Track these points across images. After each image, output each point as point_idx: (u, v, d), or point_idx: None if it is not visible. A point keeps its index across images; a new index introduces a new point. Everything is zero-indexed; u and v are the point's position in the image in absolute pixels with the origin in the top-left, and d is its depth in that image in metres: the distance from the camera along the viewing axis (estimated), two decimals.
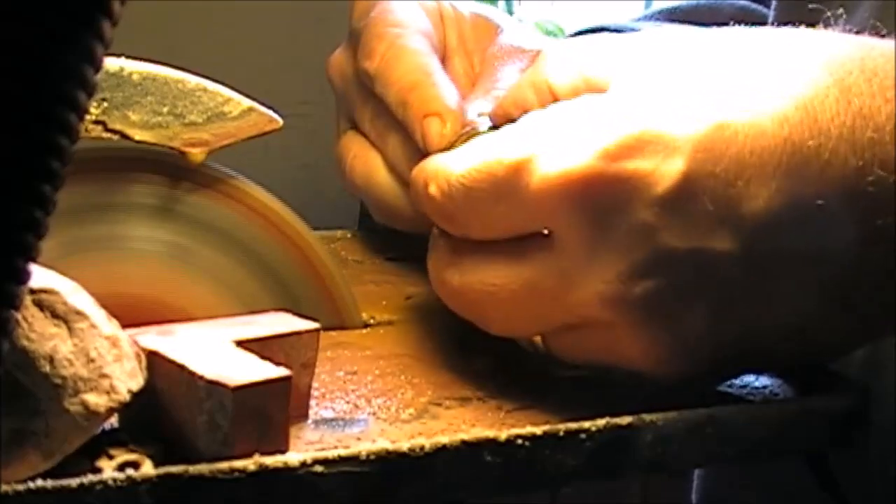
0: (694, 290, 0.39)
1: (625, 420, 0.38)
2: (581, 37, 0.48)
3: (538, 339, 0.45)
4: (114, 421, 0.37)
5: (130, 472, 0.34)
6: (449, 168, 0.43)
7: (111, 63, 0.44)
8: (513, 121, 0.44)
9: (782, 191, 0.38)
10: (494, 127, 0.48)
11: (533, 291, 0.41)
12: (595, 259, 0.40)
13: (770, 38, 0.42)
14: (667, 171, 0.38)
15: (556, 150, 0.40)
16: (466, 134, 0.49)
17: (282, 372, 0.36)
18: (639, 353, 0.41)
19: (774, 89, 0.39)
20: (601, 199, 0.39)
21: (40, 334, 0.34)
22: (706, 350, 0.40)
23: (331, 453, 0.35)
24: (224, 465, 0.34)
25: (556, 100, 0.45)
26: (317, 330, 0.41)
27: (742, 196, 0.38)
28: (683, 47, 0.43)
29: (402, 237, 0.57)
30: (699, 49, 0.42)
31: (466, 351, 0.48)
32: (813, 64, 0.39)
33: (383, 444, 0.36)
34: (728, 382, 0.45)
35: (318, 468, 0.35)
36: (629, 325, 0.40)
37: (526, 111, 0.45)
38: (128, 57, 0.45)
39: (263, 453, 0.35)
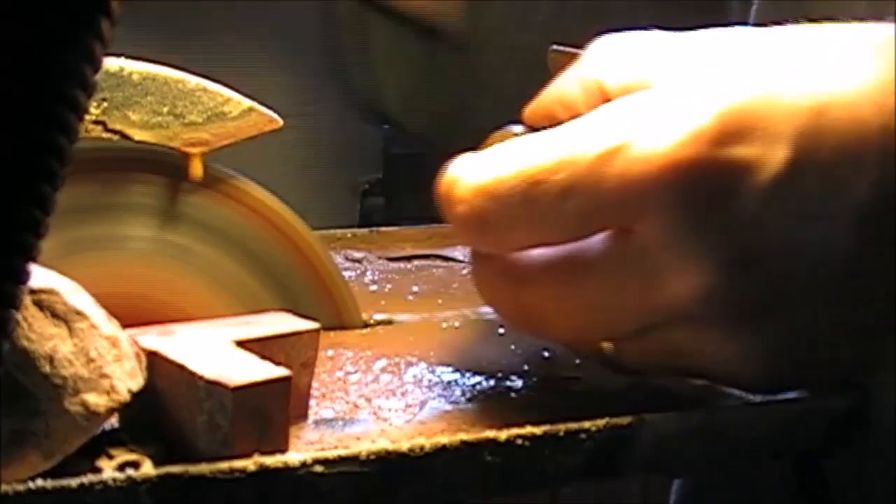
0: (796, 285, 0.38)
1: (625, 420, 0.38)
2: (628, 34, 0.45)
3: (607, 344, 0.42)
4: (114, 421, 0.37)
5: (130, 472, 0.34)
6: (489, 171, 0.40)
7: (111, 63, 0.44)
8: (555, 121, 0.42)
9: (884, 178, 0.37)
10: (532, 129, 0.45)
11: (612, 295, 0.39)
12: (692, 251, 0.38)
13: (812, 32, 0.41)
14: (772, 158, 0.37)
15: (653, 135, 0.38)
16: (499, 137, 0.45)
17: (282, 372, 0.36)
18: (729, 354, 0.39)
19: (858, 76, 0.38)
20: (705, 185, 0.37)
21: (40, 334, 0.34)
22: (798, 353, 0.39)
23: (331, 453, 0.35)
24: (224, 465, 0.34)
25: (606, 99, 0.42)
26: (317, 330, 0.41)
27: (846, 183, 0.37)
28: (746, 40, 0.41)
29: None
30: (761, 40, 0.41)
31: (467, 351, 0.48)
32: (867, 50, 0.39)
33: (383, 444, 0.36)
34: None
35: (318, 468, 0.35)
36: (724, 324, 0.39)
37: (571, 109, 0.43)
38: (128, 57, 0.45)
39: (263, 453, 0.35)
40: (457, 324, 0.52)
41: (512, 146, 0.41)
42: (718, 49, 0.41)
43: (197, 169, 0.46)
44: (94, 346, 0.35)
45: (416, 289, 0.57)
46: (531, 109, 0.46)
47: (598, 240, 0.40)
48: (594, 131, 0.39)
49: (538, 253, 0.41)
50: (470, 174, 0.41)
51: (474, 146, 0.44)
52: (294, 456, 0.35)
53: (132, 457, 0.35)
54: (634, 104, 0.39)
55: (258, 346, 0.39)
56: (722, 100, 0.38)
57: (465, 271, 0.60)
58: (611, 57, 0.44)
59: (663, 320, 0.39)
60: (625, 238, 0.39)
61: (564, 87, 0.45)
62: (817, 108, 0.37)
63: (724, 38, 0.42)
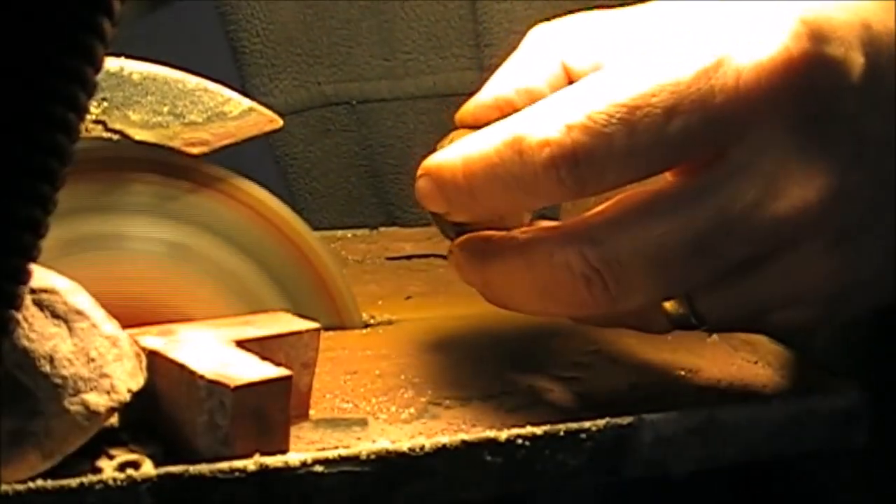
0: (893, 185, 0.38)
1: (625, 420, 0.38)
2: (569, 17, 0.45)
3: (670, 304, 0.41)
4: (114, 421, 0.37)
5: (130, 472, 0.34)
6: (575, 109, 0.37)
7: (111, 63, 0.44)
8: (515, 110, 0.41)
9: None
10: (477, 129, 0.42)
11: (701, 234, 0.37)
12: (810, 154, 0.37)
13: None
14: (855, 60, 0.38)
15: (748, 45, 0.37)
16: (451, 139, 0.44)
17: (282, 372, 0.36)
18: (833, 276, 0.38)
19: None
20: (812, 84, 0.37)
21: (40, 334, 0.34)
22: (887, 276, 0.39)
23: (331, 453, 0.35)
24: (224, 465, 0.34)
25: (571, 81, 0.42)
26: (317, 330, 0.41)
27: None
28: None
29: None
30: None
31: (467, 351, 0.48)
32: None
33: (383, 444, 0.36)
34: (728, 382, 0.45)
35: (318, 468, 0.35)
36: (830, 237, 0.38)
37: (533, 95, 0.42)
38: (128, 57, 0.45)
39: (263, 453, 0.35)
40: (457, 324, 0.52)
41: (584, 84, 0.39)
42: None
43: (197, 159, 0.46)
44: (95, 345, 0.35)
45: (416, 289, 0.57)
46: (476, 106, 0.44)
47: (665, 181, 0.38)
48: (681, 53, 0.37)
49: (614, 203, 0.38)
50: (545, 118, 0.38)
51: None
52: (294, 456, 0.35)
53: (132, 457, 0.35)
54: (707, 25, 0.39)
55: (258, 346, 0.39)
56: (797, 10, 0.38)
57: None
58: (567, 38, 0.43)
59: (766, 247, 0.38)
60: (717, 164, 0.37)
61: (521, 76, 0.44)
62: (864, 21, 0.38)
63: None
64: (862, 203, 0.38)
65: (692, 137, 0.37)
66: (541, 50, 0.44)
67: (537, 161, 0.38)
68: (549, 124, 0.38)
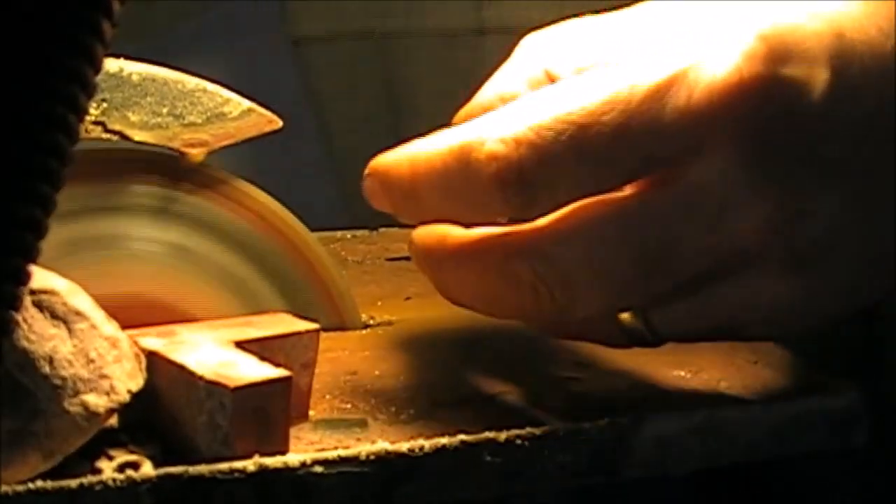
0: (860, 206, 0.37)
1: (625, 420, 0.38)
2: (556, 25, 0.45)
3: (625, 316, 0.40)
4: (113, 422, 0.37)
5: (130, 472, 0.34)
6: (522, 122, 0.37)
7: (111, 63, 0.44)
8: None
9: None
10: None
11: (658, 247, 0.37)
12: (762, 177, 0.36)
13: None
14: (818, 78, 0.36)
15: (704, 63, 0.36)
16: None
17: (282, 372, 0.36)
18: (790, 296, 0.38)
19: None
20: (769, 105, 0.36)
21: (40, 335, 0.34)
22: (857, 286, 0.39)
23: (331, 453, 0.35)
24: (224, 465, 0.34)
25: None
26: (317, 330, 0.41)
27: (879, 103, 0.37)
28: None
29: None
30: None
31: (466, 351, 0.48)
32: None
33: (383, 444, 0.36)
34: (728, 382, 0.45)
35: (318, 468, 0.35)
36: (786, 258, 0.37)
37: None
38: (127, 57, 0.45)
39: (263, 453, 0.35)
40: (457, 324, 0.52)
41: (538, 96, 0.38)
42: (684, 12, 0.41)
43: (197, 160, 0.46)
44: (94, 346, 0.35)
45: (416, 289, 0.57)
46: (468, 113, 0.44)
47: (622, 195, 0.37)
48: (635, 69, 0.37)
49: (560, 217, 0.38)
50: (495, 130, 0.37)
51: None
52: (294, 456, 0.35)
53: (132, 457, 0.35)
54: (665, 44, 0.38)
55: (258, 347, 0.39)
56: (758, 25, 0.37)
57: None
58: (555, 46, 0.43)
59: (717, 267, 0.38)
60: (669, 181, 0.37)
61: (505, 84, 0.44)
62: (837, 31, 0.37)
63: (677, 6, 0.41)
64: (823, 224, 0.37)
65: (641, 156, 0.37)
66: (528, 57, 0.44)
67: (483, 176, 0.37)
68: (497, 138, 0.37)
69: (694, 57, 0.37)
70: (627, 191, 0.38)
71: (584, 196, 0.38)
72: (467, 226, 0.41)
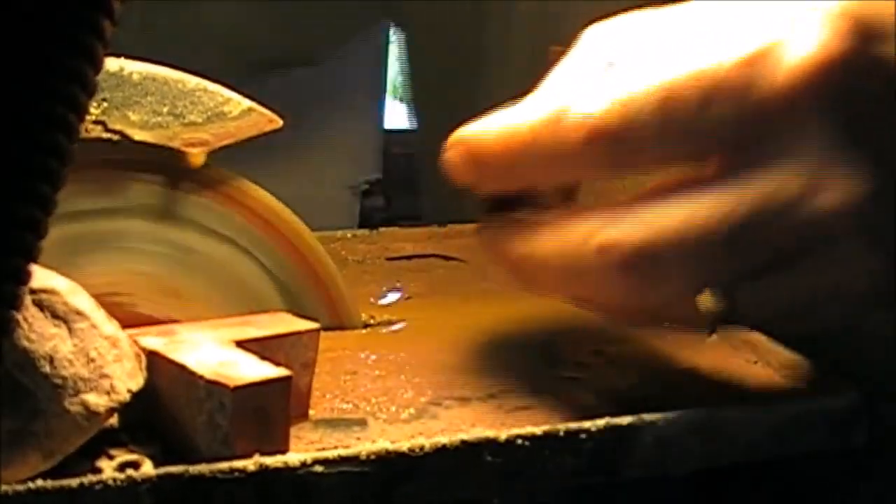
0: None
1: (625, 420, 0.38)
2: (620, 17, 0.44)
3: (704, 298, 0.39)
4: (114, 421, 0.37)
5: (130, 472, 0.34)
6: (618, 89, 0.38)
7: (111, 63, 0.44)
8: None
9: None
10: None
11: (757, 217, 0.37)
12: (849, 157, 0.36)
13: None
14: None
15: (793, 39, 0.36)
16: None
17: (282, 372, 0.36)
18: (874, 275, 0.38)
19: None
20: (859, 82, 0.36)
21: (40, 334, 0.34)
22: None
23: (331, 453, 0.35)
24: (224, 465, 0.34)
25: None
26: (317, 330, 0.41)
27: None
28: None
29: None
30: None
31: (466, 351, 0.48)
32: None
33: (383, 444, 0.36)
34: (728, 382, 0.45)
35: (318, 468, 0.35)
36: (874, 237, 0.37)
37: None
38: (128, 57, 0.45)
39: (263, 453, 0.35)
40: (457, 324, 0.52)
41: (630, 67, 0.39)
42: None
43: (198, 159, 0.46)
44: (95, 346, 0.35)
45: (416, 289, 0.57)
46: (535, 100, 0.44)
47: (710, 172, 0.38)
48: (725, 44, 0.37)
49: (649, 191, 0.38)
50: (586, 98, 0.38)
51: None
52: (294, 456, 0.35)
53: (132, 457, 0.35)
54: (757, 19, 0.38)
55: (258, 346, 0.39)
56: (840, 1, 0.37)
57: (464, 271, 0.60)
58: (617, 38, 0.43)
59: (805, 244, 0.37)
60: (758, 156, 0.37)
61: (568, 76, 0.43)
62: None
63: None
64: None
65: (728, 127, 0.37)
66: (590, 50, 0.44)
67: (574, 137, 0.38)
68: (589, 102, 0.38)
69: (782, 35, 0.37)
70: (713, 169, 0.38)
71: (671, 162, 0.38)
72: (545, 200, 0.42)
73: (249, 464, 0.34)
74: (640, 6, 0.43)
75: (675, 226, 0.38)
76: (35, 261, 0.26)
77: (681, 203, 0.38)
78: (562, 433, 0.38)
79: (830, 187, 0.37)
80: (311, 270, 0.48)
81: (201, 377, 0.35)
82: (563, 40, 0.46)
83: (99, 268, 0.45)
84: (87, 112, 0.26)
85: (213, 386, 0.35)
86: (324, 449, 0.37)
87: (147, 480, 0.33)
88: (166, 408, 0.37)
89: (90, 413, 0.34)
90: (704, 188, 0.38)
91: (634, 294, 0.39)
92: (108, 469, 0.35)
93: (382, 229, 0.65)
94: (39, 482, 0.33)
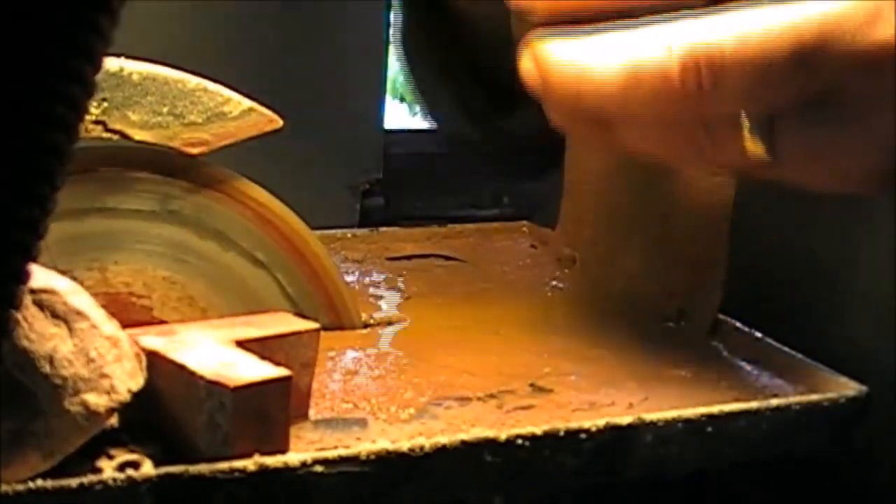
0: None
1: (625, 420, 0.38)
2: None
3: (750, 141, 0.40)
4: (114, 421, 0.37)
5: (130, 472, 0.34)
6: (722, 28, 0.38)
7: (111, 63, 0.44)
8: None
9: None
10: None
11: (823, 40, 0.37)
12: None
13: None
14: None
15: None
16: None
17: (282, 372, 0.36)
18: None
19: None
20: None
21: (40, 334, 0.34)
22: None
23: (331, 453, 0.35)
24: (224, 465, 0.34)
25: None
26: (317, 330, 0.41)
27: None
28: None
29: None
30: None
31: (466, 351, 0.48)
32: None
33: (383, 444, 0.36)
34: (728, 382, 0.45)
35: (318, 468, 0.35)
36: None
37: None
38: (128, 57, 0.45)
39: (263, 453, 0.35)
40: (458, 324, 0.52)
41: (717, 18, 0.39)
42: None
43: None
44: (95, 346, 0.35)
45: (416, 289, 0.57)
46: None
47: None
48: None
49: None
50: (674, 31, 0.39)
51: None
52: (294, 456, 0.35)
53: (132, 457, 0.35)
54: None
55: (258, 346, 0.39)
56: None
57: (464, 271, 0.60)
58: None
59: (856, 84, 0.38)
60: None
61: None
62: None
63: None
64: None
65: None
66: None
67: (665, 65, 0.38)
68: (679, 35, 0.38)
69: None
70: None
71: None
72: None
73: (249, 464, 0.34)
74: None
75: (744, 37, 0.38)
76: (35, 261, 0.26)
77: (750, 18, 0.38)
78: (562, 433, 0.38)
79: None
80: (311, 270, 0.48)
81: (201, 377, 0.35)
82: None
83: (98, 268, 0.45)
84: (87, 112, 0.26)
85: (213, 386, 0.35)
86: (324, 449, 0.37)
87: (147, 480, 0.33)
88: (166, 408, 0.37)
89: (90, 413, 0.34)
90: (775, 8, 0.38)
91: (689, 102, 0.39)
92: (108, 469, 0.35)
93: (382, 229, 0.65)
94: (39, 482, 0.33)
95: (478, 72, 0.69)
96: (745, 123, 0.40)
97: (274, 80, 1.02)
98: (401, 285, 0.58)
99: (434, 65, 0.70)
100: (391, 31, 0.74)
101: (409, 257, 0.62)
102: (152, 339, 0.38)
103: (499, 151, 0.70)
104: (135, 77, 0.45)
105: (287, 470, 0.34)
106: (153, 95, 0.45)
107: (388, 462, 0.36)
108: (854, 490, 0.53)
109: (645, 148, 0.42)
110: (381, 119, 1.13)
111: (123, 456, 0.35)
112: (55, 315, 0.35)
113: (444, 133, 0.76)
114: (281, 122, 0.47)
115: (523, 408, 0.42)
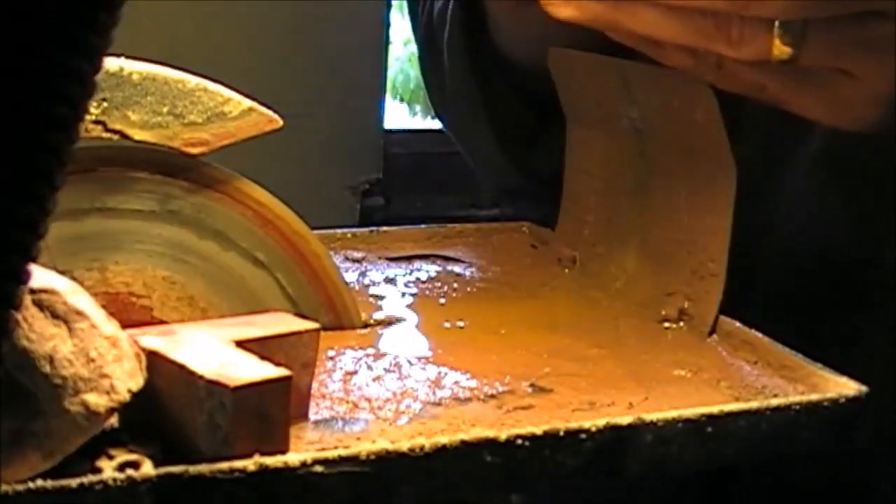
0: None
1: (625, 420, 0.38)
2: None
3: (778, 47, 0.42)
4: (114, 421, 0.37)
5: (130, 472, 0.34)
6: None
7: (111, 63, 0.44)
8: None
9: None
10: None
11: None
12: None
13: None
14: None
15: None
16: None
17: (282, 372, 0.36)
18: None
19: None
20: None
21: (40, 334, 0.34)
22: None
23: (331, 453, 0.35)
24: (224, 465, 0.34)
25: None
26: (317, 330, 0.41)
27: None
28: None
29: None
30: None
31: (466, 351, 0.48)
32: None
33: (383, 444, 0.36)
34: (728, 382, 0.45)
35: (318, 468, 0.35)
36: None
37: None
38: (128, 57, 0.45)
39: (263, 453, 0.35)
40: (458, 324, 0.52)
41: None
42: None
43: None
44: (94, 346, 0.35)
45: (416, 289, 0.57)
46: None
47: None
48: None
49: None
50: None
51: None
52: (294, 456, 0.35)
53: (132, 457, 0.35)
54: None
55: (258, 346, 0.39)
56: None
57: (464, 271, 0.60)
58: None
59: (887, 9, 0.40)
60: None
61: None
62: None
63: None
64: None
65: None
66: None
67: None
68: None
69: None
70: None
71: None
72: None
73: (249, 464, 0.34)
74: None
75: None
76: (35, 261, 0.26)
77: None
78: (562, 433, 0.38)
79: None
80: (311, 270, 0.48)
81: (201, 377, 0.35)
82: None
83: (98, 268, 0.45)
84: (87, 112, 0.26)
85: (213, 386, 0.35)
86: (324, 449, 0.37)
87: (147, 480, 0.33)
88: (166, 408, 0.37)
89: (90, 413, 0.34)
90: None
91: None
92: (108, 469, 0.35)
93: (382, 229, 0.65)
94: (39, 482, 0.33)
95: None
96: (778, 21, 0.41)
97: (274, 80, 1.02)
98: (401, 285, 0.58)
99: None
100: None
101: (409, 257, 0.62)
102: (152, 339, 0.38)
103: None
104: (135, 77, 0.45)
105: (287, 470, 0.34)
106: (153, 95, 0.45)
107: (388, 462, 0.36)
108: (854, 490, 0.53)
109: (667, 31, 0.43)
110: (381, 119, 1.13)
111: (123, 456, 0.35)
112: (55, 315, 0.35)
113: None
114: (281, 122, 0.47)
115: (523, 408, 0.42)
